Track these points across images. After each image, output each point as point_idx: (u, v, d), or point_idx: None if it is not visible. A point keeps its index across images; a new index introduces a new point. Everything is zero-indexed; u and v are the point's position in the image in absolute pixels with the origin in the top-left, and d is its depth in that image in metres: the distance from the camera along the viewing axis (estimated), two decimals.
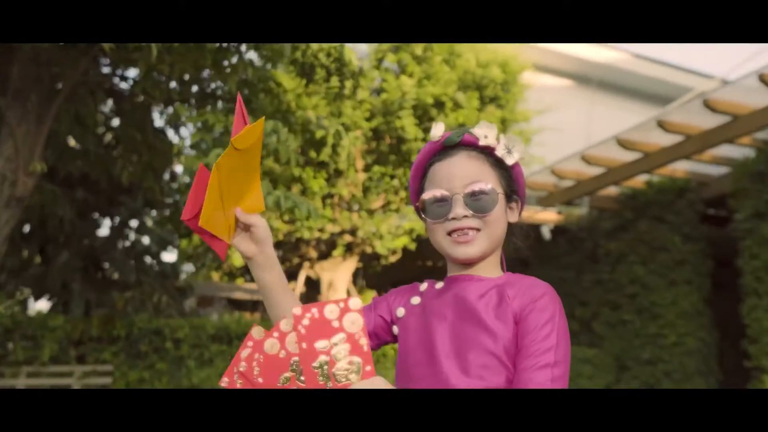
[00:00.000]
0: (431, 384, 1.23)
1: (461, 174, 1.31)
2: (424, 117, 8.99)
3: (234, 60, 4.22)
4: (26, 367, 6.03)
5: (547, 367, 1.18)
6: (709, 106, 5.86)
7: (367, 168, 9.32)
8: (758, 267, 6.39)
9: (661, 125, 6.35)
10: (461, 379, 1.21)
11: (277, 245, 10.11)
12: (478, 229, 1.31)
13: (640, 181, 7.83)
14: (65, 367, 6.19)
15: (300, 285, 10.36)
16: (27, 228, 7.45)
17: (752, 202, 6.48)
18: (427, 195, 1.33)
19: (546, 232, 9.18)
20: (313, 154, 6.91)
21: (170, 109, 5.30)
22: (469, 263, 1.34)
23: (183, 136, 7.72)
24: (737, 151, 6.87)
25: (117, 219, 7.87)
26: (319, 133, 5.14)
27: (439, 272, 1.42)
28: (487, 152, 1.34)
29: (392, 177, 9.31)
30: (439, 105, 8.92)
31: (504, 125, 9.11)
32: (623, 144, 6.81)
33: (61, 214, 6.63)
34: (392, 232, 9.28)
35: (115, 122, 6.52)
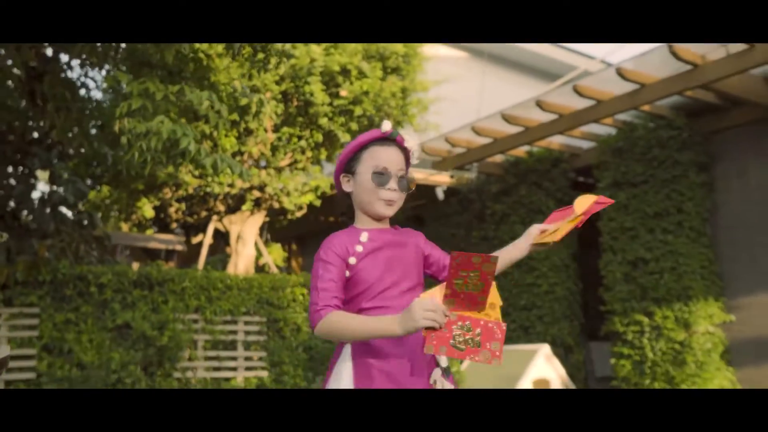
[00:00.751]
0: (401, 295, 1.94)
1: (396, 161, 2.00)
2: (330, 83, 9.51)
3: None
4: None
5: None
6: (578, 91, 6.75)
7: (275, 128, 9.82)
8: (614, 228, 7.33)
9: (540, 105, 7.10)
10: (414, 293, 1.96)
11: (187, 198, 10.51)
12: (394, 201, 2.00)
13: (521, 151, 8.54)
14: None
15: (209, 237, 10.82)
16: None
17: (611, 174, 7.39)
18: (378, 165, 1.96)
19: (440, 193, 9.86)
20: (234, 116, 7.38)
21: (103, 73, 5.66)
22: (381, 219, 2.02)
23: (98, 98, 7.88)
24: (601, 129, 7.79)
25: (22, 169, 8.02)
26: (243, 101, 5.69)
27: (341, 226, 2.14)
28: (406, 151, 2.07)
29: (299, 138, 9.84)
30: (345, 72, 9.46)
31: (404, 94, 9.79)
32: (507, 119, 7.53)
33: None
34: (299, 189, 9.85)
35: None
